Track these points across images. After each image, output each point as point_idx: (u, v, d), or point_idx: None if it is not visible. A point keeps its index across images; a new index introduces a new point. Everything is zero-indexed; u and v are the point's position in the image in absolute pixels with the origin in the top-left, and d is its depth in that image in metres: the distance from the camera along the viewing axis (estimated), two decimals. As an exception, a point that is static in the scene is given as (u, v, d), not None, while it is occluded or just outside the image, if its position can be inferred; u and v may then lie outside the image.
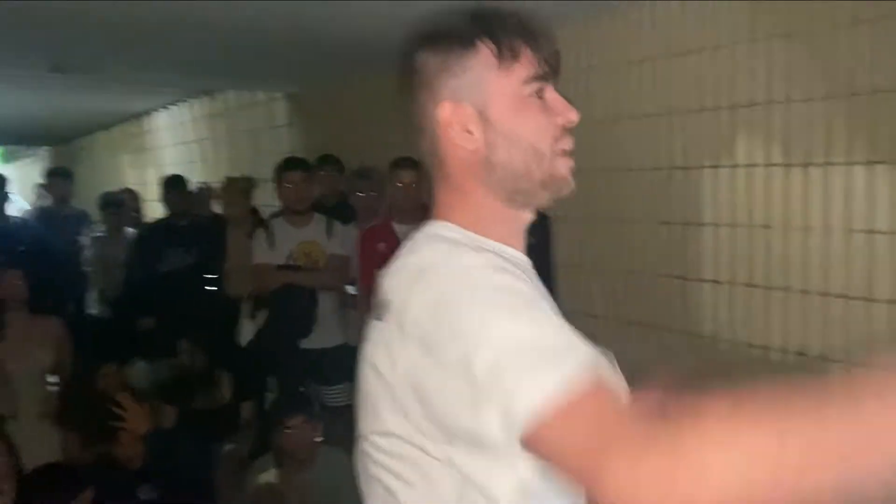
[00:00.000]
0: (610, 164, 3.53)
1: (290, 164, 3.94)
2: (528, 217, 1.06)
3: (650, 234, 3.40)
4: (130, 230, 5.96)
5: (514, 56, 0.99)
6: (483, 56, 1.00)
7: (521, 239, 1.07)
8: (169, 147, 8.42)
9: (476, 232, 1.02)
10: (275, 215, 4.09)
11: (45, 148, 12.08)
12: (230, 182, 4.58)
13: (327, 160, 4.58)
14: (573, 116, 1.02)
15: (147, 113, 8.57)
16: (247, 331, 3.77)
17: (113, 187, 7.47)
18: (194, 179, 7.07)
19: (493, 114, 1.01)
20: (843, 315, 2.71)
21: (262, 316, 3.68)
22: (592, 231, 3.65)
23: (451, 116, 1.01)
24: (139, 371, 4.04)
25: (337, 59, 4.64)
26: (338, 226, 3.91)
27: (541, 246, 2.99)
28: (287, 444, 3.03)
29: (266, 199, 4.69)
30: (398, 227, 3.63)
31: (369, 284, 4.17)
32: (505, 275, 0.91)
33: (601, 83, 3.57)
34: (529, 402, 0.78)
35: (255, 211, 4.51)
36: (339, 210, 4.19)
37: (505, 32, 1.00)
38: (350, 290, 3.98)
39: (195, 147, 7.77)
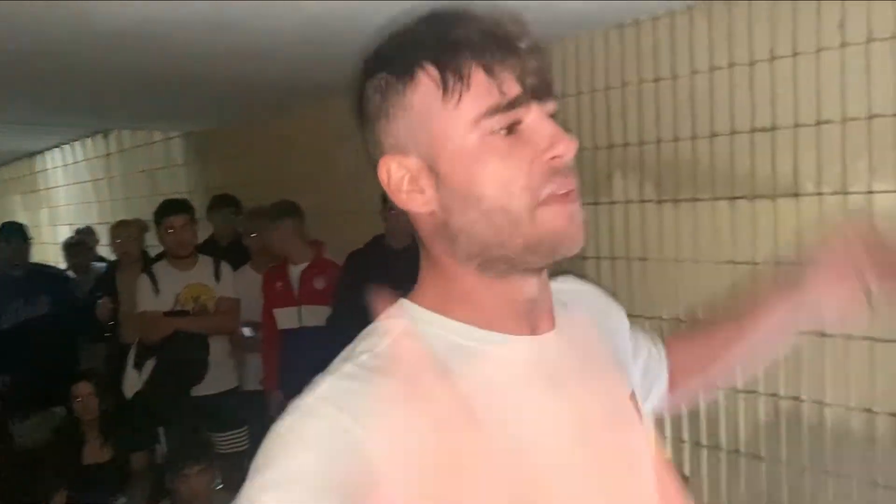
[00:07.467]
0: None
1: (169, 208, 3.76)
2: (527, 285, 0.80)
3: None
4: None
5: (463, 83, 0.73)
6: (423, 88, 0.74)
7: (522, 313, 0.81)
8: (62, 187, 8.16)
9: (442, 312, 0.80)
10: (156, 259, 3.94)
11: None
12: (121, 225, 4.49)
13: (223, 200, 4.48)
14: (563, 148, 0.75)
15: (39, 152, 8.30)
16: (132, 381, 3.61)
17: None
18: (90, 221, 6.89)
19: (441, 165, 0.75)
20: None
21: (150, 366, 3.56)
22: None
23: (395, 174, 0.77)
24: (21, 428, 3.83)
25: (235, 99, 4.62)
26: (225, 267, 3.80)
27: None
28: (185, 493, 2.98)
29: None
30: (291, 268, 3.70)
31: (269, 322, 4.15)
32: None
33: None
34: None
35: (145, 254, 4.42)
36: (232, 251, 4.15)
37: (451, 51, 0.73)
38: (246, 332, 3.93)
39: (90, 187, 7.56)
